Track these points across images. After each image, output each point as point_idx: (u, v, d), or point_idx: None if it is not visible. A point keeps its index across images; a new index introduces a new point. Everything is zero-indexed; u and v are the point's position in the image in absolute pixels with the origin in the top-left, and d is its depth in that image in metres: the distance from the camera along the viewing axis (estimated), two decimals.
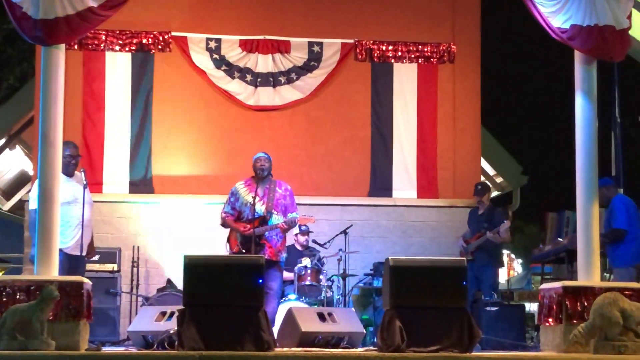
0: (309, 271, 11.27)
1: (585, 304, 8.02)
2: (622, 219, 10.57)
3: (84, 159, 12.50)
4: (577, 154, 8.54)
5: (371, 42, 13.40)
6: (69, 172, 9.67)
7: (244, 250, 9.87)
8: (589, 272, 8.32)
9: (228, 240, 10.18)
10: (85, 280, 8.07)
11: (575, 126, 8.59)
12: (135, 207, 12.93)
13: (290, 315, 9.12)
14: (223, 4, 13.37)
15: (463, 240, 12.00)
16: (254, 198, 9.92)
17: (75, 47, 12.79)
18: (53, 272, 7.95)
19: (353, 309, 10.98)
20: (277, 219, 9.95)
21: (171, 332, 8.37)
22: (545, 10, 8.55)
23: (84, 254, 9.66)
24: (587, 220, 8.40)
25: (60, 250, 8.93)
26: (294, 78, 13.27)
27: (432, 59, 13.47)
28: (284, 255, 10.12)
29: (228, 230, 10.25)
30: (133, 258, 12.33)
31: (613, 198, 10.76)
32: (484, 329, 10.01)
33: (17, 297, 7.72)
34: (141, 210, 12.93)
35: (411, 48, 13.42)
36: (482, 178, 14.57)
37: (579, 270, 8.44)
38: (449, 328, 7.81)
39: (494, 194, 16.18)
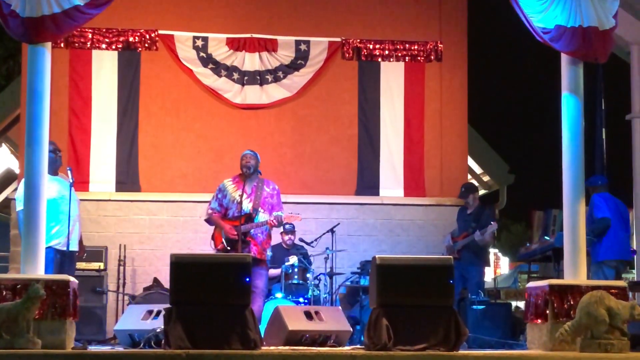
0: (296, 269, 11.27)
1: (572, 302, 8.04)
2: (603, 208, 10.66)
3: (71, 158, 12.51)
4: (563, 152, 8.56)
5: (358, 40, 13.41)
6: (55, 167, 9.64)
7: (229, 248, 9.86)
8: (576, 271, 8.34)
9: (213, 236, 10.17)
10: (72, 278, 8.05)
11: (562, 125, 8.61)
12: (122, 206, 12.90)
13: (277, 314, 9.13)
14: (210, 2, 13.36)
15: (451, 237, 12.01)
16: (241, 195, 9.91)
17: (62, 45, 12.75)
18: (39, 270, 7.93)
19: (340, 307, 11.00)
20: (263, 217, 9.94)
21: (158, 330, 8.37)
22: (530, 10, 8.55)
23: (72, 249, 9.62)
24: (574, 219, 8.42)
25: (50, 247, 8.91)
26: (281, 76, 13.26)
27: (419, 58, 13.48)
28: (269, 253, 10.12)
29: (213, 227, 10.22)
30: (119, 257, 12.30)
31: (592, 196, 10.86)
32: (471, 328, 10.03)
33: (3, 295, 7.70)
34: (128, 208, 12.90)
35: (398, 46, 13.44)
36: (469, 177, 14.59)
37: (566, 269, 8.46)
38: (436, 326, 7.82)
39: (481, 192, 16.22)
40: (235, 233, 9.82)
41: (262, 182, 10.12)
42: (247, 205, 9.93)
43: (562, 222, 8.73)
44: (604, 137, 13.27)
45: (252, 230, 9.89)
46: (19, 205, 9.20)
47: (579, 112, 8.55)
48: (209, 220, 10.20)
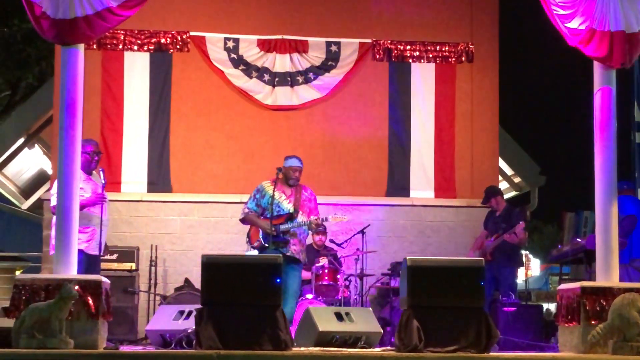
0: (326, 271, 11.28)
1: (604, 304, 7.99)
2: (629, 205, 10.59)
3: (103, 159, 12.54)
4: (595, 154, 8.51)
5: (389, 41, 13.39)
6: (90, 169, 9.68)
7: (266, 245, 9.86)
8: (608, 273, 8.29)
9: (248, 235, 10.17)
10: (104, 279, 8.09)
11: (594, 126, 8.56)
12: (154, 206, 12.96)
13: (307, 315, 9.14)
14: (241, 3, 13.39)
15: (481, 240, 11.95)
16: (273, 196, 9.90)
17: (94, 46, 12.82)
18: (72, 270, 7.98)
19: (370, 308, 11.00)
20: (302, 218, 9.96)
21: (189, 331, 8.42)
22: (563, 13, 8.50)
23: (101, 253, 9.66)
24: (606, 221, 8.37)
25: (81, 250, 8.92)
26: (312, 78, 13.27)
27: (450, 59, 13.45)
28: (304, 256, 10.11)
29: (248, 226, 10.23)
30: (151, 257, 12.37)
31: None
32: (502, 329, 9.99)
33: (36, 296, 7.76)
34: (159, 209, 12.97)
35: (429, 48, 13.41)
36: (500, 178, 14.54)
37: (598, 271, 8.41)
38: (467, 328, 7.81)
39: (512, 194, 16.15)
40: (274, 229, 9.82)
41: (299, 186, 10.16)
42: (287, 206, 9.95)
43: (594, 223, 8.68)
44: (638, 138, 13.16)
45: (292, 230, 9.90)
46: (53, 201, 9.24)
47: (611, 113, 8.49)
48: (244, 220, 10.20)
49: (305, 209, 10.03)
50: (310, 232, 11.79)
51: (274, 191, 9.94)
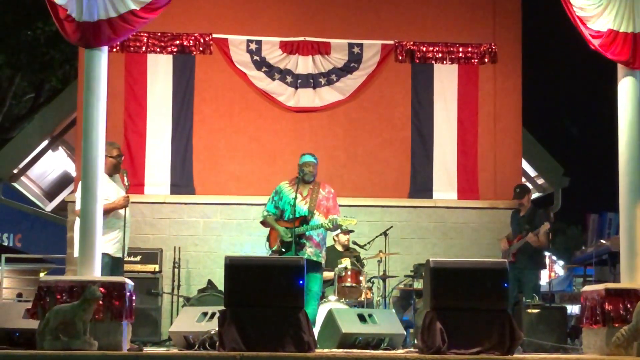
0: (349, 272, 11.26)
1: (628, 306, 7.97)
2: None
3: (126, 161, 12.60)
4: (620, 155, 8.47)
5: (411, 43, 13.37)
6: (114, 172, 9.68)
7: (283, 249, 9.88)
8: (632, 274, 8.25)
9: (268, 238, 10.19)
10: (128, 280, 8.12)
11: (618, 127, 8.52)
12: (177, 208, 13.00)
13: (330, 316, 9.14)
14: (263, 5, 13.41)
15: (507, 240, 11.91)
16: (295, 198, 9.92)
17: (117, 49, 12.87)
18: (96, 272, 8.01)
19: (393, 310, 10.98)
20: (319, 219, 9.94)
21: (212, 332, 8.42)
22: (584, 14, 8.46)
23: (125, 255, 9.67)
24: (630, 222, 8.33)
25: (107, 253, 8.90)
26: (334, 79, 13.27)
27: (472, 60, 13.41)
28: (323, 256, 10.10)
29: (268, 229, 10.25)
30: (174, 259, 12.39)
31: None
32: (525, 331, 9.95)
33: (60, 297, 7.79)
34: (182, 211, 13.00)
35: (452, 49, 13.38)
36: (523, 179, 14.50)
37: (622, 273, 8.37)
38: (490, 330, 7.79)
39: (535, 195, 16.09)
40: (291, 235, 9.84)
41: (317, 185, 10.14)
42: (302, 208, 9.95)
43: (618, 225, 8.64)
44: None
45: (307, 232, 9.89)
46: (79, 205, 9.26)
47: (635, 114, 8.46)
48: (264, 222, 10.24)
49: (321, 208, 10.01)
50: (337, 232, 11.82)
51: (296, 192, 9.95)
